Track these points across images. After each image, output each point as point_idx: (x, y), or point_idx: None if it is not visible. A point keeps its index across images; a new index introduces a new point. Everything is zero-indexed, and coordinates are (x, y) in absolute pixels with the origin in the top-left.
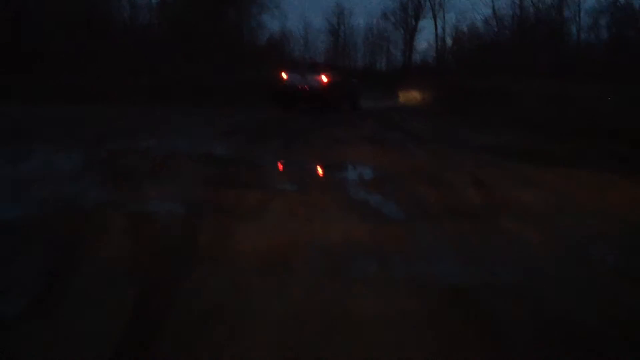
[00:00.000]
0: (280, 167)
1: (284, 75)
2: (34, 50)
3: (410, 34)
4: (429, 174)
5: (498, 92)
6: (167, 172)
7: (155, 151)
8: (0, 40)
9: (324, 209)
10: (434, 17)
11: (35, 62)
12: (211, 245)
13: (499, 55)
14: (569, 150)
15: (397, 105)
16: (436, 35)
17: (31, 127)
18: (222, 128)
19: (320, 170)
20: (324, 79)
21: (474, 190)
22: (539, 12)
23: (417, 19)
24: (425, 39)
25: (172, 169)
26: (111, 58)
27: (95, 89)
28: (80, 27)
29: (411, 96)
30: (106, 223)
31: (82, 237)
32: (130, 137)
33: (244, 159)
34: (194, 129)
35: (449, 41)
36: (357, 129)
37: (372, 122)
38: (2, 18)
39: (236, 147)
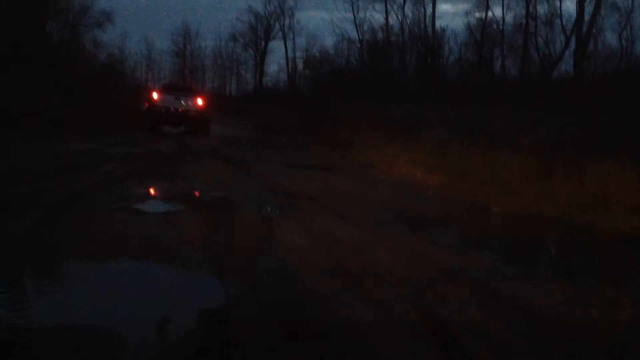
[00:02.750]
0: None
1: (155, 96)
2: None
3: (261, 56)
4: None
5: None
6: None
7: None
8: None
9: None
10: (284, 39)
11: None
12: None
13: (349, 79)
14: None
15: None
16: (287, 58)
17: None
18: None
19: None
20: (200, 101)
21: None
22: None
23: (267, 40)
24: (276, 62)
25: None
26: None
27: None
28: None
29: (261, 121)
30: None
31: None
32: None
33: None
34: None
35: (299, 64)
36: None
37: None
38: None
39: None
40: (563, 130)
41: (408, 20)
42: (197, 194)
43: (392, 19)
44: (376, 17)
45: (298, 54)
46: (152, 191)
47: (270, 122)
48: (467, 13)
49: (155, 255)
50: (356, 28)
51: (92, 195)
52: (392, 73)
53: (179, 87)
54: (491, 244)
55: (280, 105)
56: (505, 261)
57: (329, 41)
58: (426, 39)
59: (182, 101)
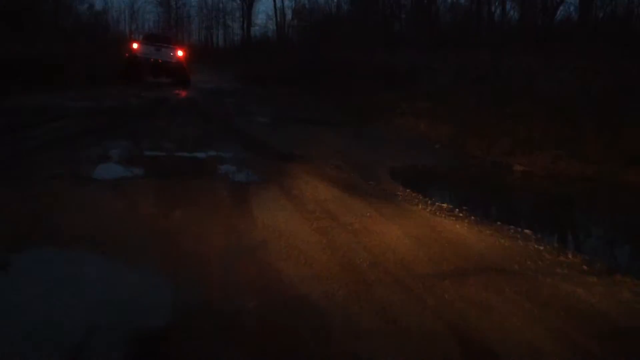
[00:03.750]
0: None
1: (135, 47)
2: None
3: (248, 5)
4: None
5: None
6: None
7: None
8: None
9: None
10: None
11: None
12: None
13: (340, 29)
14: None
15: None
16: (274, 7)
17: None
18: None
19: None
20: (180, 52)
21: None
22: None
23: None
24: (264, 11)
25: None
26: None
27: None
28: None
29: (248, 72)
30: None
31: None
32: None
33: None
34: None
35: (288, 14)
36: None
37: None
38: None
39: None
40: (583, 75)
41: None
42: (161, 155)
43: None
44: None
45: (287, 3)
46: (106, 153)
47: (258, 74)
48: None
49: (84, 245)
50: None
51: (30, 159)
52: (386, 18)
53: (160, 38)
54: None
55: (269, 56)
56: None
57: None
58: None
59: (162, 52)
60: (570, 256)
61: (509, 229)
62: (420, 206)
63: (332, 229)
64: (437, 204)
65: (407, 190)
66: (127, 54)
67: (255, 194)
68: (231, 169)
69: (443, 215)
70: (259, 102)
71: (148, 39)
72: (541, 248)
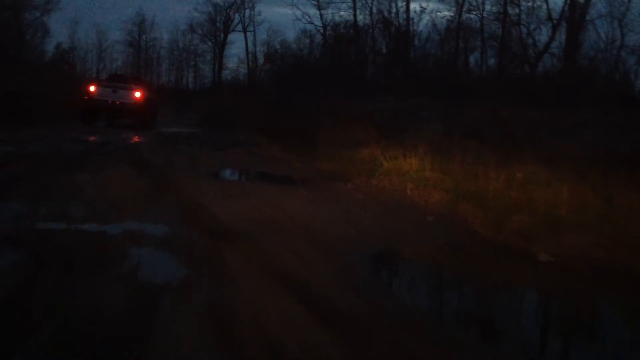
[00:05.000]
0: None
1: (92, 89)
2: None
3: (220, 48)
4: None
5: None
6: None
7: None
8: None
9: None
10: (244, 31)
11: None
12: None
13: (311, 73)
14: None
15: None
16: (247, 51)
17: None
18: None
19: None
20: (138, 94)
21: None
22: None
23: (226, 32)
24: (235, 55)
25: None
26: None
27: None
28: None
29: (213, 115)
30: None
31: None
32: None
33: None
34: None
35: (260, 58)
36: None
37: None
38: None
39: None
40: (608, 131)
41: (375, 7)
42: (56, 230)
43: (360, 15)
44: (342, 13)
45: (259, 48)
46: None
47: (223, 117)
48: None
49: None
50: (321, 18)
51: None
52: (361, 63)
53: (121, 79)
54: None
55: (238, 100)
56: None
57: (290, 35)
58: (398, 25)
59: (119, 93)
60: None
61: None
62: None
63: None
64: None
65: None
66: (85, 96)
67: (164, 317)
68: (145, 255)
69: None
70: (215, 150)
71: (108, 80)
72: None
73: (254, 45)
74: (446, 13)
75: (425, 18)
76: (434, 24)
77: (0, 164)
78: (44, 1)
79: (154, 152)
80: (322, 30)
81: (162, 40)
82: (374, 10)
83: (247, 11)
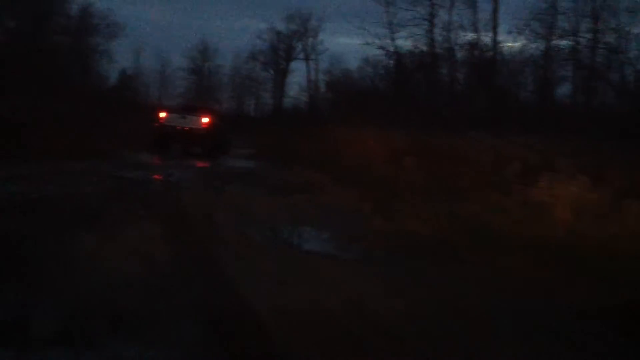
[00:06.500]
0: None
1: (162, 115)
2: None
3: (281, 76)
4: None
5: None
6: None
7: None
8: None
9: None
10: (307, 60)
11: None
12: None
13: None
14: None
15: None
16: (308, 79)
17: None
18: None
19: None
20: (205, 120)
21: None
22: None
23: (288, 61)
24: (296, 82)
25: None
26: None
27: None
28: None
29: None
30: None
31: None
32: None
33: None
34: None
35: (322, 86)
36: None
37: None
38: None
39: None
40: None
41: (453, 33)
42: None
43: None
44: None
45: (321, 76)
46: None
47: (282, 149)
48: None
49: None
50: (392, 41)
51: None
52: (440, 93)
53: (190, 106)
54: None
55: (301, 130)
56: None
57: (353, 64)
58: (484, 50)
59: (187, 119)
60: None
61: None
62: None
63: None
64: None
65: None
66: (155, 123)
67: None
68: None
69: None
70: (271, 195)
71: (178, 107)
72: None
73: (316, 73)
74: (535, 41)
75: (513, 44)
76: (522, 52)
77: None
78: (108, 28)
79: (196, 198)
80: (393, 56)
81: (224, 67)
82: (452, 37)
83: (310, 40)
